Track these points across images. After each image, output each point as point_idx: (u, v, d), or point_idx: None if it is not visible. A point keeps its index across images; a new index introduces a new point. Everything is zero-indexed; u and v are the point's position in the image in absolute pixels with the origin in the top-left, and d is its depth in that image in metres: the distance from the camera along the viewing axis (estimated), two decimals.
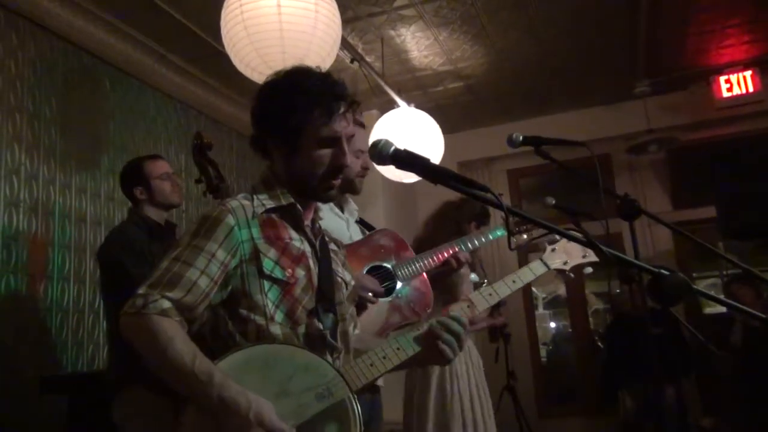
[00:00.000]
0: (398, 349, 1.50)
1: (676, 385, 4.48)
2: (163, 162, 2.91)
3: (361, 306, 2.06)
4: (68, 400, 2.90)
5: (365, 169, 2.39)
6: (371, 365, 1.46)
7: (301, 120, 1.51)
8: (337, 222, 2.33)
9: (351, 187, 2.37)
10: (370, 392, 2.12)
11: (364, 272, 2.22)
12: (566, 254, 1.95)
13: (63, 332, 3.41)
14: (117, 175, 3.86)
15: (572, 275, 2.00)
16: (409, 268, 2.36)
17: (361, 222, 2.51)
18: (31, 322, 3.26)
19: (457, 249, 2.61)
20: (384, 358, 1.48)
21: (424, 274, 2.42)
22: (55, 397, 2.98)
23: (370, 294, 2.11)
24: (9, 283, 3.15)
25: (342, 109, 1.54)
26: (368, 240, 2.37)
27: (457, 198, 3.16)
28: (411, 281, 2.36)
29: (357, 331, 1.72)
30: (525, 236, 2.76)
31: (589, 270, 2.09)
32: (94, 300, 3.59)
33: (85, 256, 3.59)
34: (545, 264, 1.90)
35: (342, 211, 2.41)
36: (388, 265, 2.31)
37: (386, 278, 2.28)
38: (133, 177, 2.83)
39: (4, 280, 3.13)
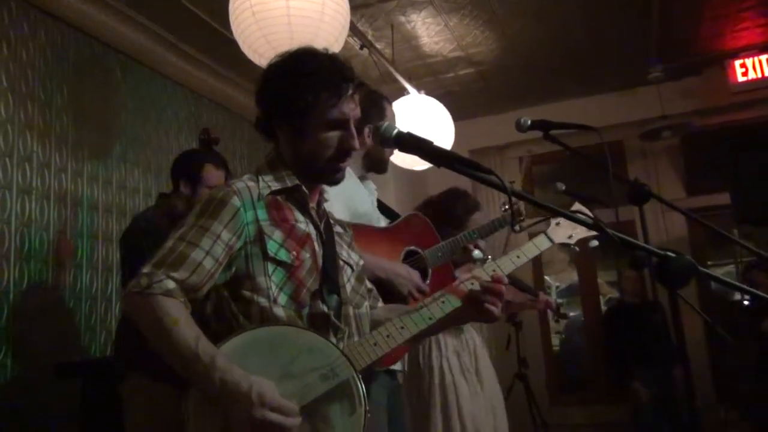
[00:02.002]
0: (402, 328, 1.50)
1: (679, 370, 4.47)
2: (221, 173, 2.73)
3: (402, 297, 2.07)
4: (82, 385, 2.94)
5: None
6: (375, 344, 1.46)
7: (309, 102, 1.50)
8: (370, 203, 2.33)
9: (382, 167, 2.37)
10: (392, 377, 2.12)
11: (401, 258, 2.23)
12: (571, 228, 1.93)
13: (76, 318, 3.45)
14: (128, 163, 3.93)
15: (577, 248, 1.98)
16: (438, 255, 2.38)
17: (379, 203, 2.49)
18: (45, 308, 3.30)
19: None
20: (388, 336, 1.48)
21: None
22: (69, 382, 3.02)
23: (417, 292, 2.11)
24: (22, 269, 3.19)
25: (350, 91, 1.54)
26: (402, 224, 2.37)
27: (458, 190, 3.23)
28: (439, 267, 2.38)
29: (380, 304, 1.76)
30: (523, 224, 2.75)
31: (595, 243, 2.07)
32: (106, 286, 3.63)
33: (97, 243, 3.62)
34: (549, 238, 1.88)
35: None
36: (422, 252, 2.32)
37: (418, 263, 2.30)
38: (188, 172, 2.68)
39: (17, 266, 3.17)
